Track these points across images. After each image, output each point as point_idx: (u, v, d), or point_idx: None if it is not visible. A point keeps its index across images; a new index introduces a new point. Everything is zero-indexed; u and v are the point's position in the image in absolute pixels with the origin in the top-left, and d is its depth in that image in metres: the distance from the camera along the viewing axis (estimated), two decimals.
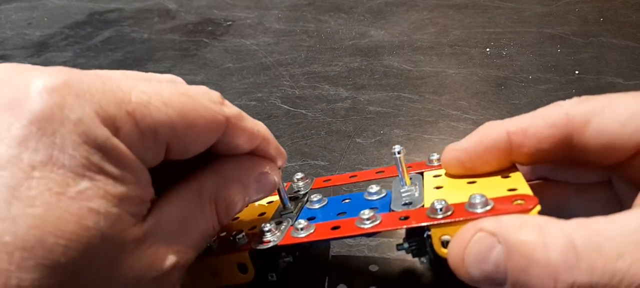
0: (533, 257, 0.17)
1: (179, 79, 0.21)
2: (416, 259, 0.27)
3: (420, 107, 0.49)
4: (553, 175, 0.26)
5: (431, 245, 0.21)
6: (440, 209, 0.20)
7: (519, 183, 0.22)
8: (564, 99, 0.22)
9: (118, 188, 0.17)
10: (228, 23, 0.80)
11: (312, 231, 0.23)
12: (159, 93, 0.19)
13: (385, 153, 0.42)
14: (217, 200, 0.22)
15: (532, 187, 0.22)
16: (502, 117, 0.23)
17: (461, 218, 0.20)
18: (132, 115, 0.18)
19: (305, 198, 0.28)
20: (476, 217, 0.20)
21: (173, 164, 0.21)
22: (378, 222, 0.22)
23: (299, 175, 0.29)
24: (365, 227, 0.22)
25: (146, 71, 0.20)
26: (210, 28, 0.79)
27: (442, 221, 0.20)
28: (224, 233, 0.25)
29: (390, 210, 0.24)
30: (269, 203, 0.29)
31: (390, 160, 0.40)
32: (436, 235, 0.21)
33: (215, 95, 0.21)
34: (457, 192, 0.23)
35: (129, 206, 0.17)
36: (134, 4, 0.95)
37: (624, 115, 0.20)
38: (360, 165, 0.41)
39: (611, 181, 0.24)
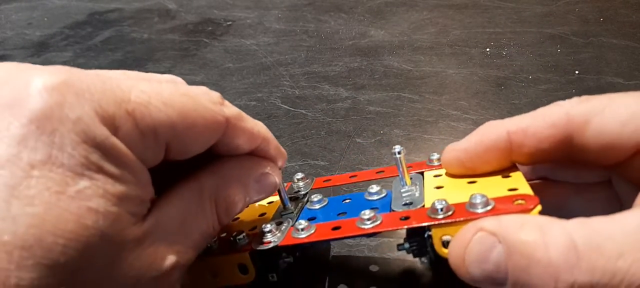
0: (534, 257, 0.17)
1: (179, 79, 0.21)
2: (416, 259, 0.27)
3: (420, 107, 0.49)
4: (553, 175, 0.26)
5: (432, 245, 0.21)
6: (441, 209, 0.20)
7: (519, 183, 0.22)
8: (564, 99, 0.22)
9: (117, 188, 0.17)
10: (228, 23, 0.80)
11: (312, 231, 0.23)
12: (159, 93, 0.19)
13: (385, 153, 0.42)
14: (217, 200, 0.22)
15: (532, 186, 0.22)
16: (502, 117, 0.23)
17: (462, 218, 0.20)
18: (131, 114, 0.18)
19: (306, 199, 0.28)
20: (477, 217, 0.20)
21: (173, 164, 0.21)
22: (379, 222, 0.22)
23: (299, 175, 0.29)
24: (366, 227, 0.22)
25: (146, 71, 0.20)
26: (210, 28, 0.79)
27: (443, 221, 0.20)
28: (224, 234, 0.25)
29: (391, 210, 0.24)
30: (269, 203, 0.29)
31: (390, 160, 0.40)
32: (437, 235, 0.21)
33: (215, 95, 0.21)
34: (458, 191, 0.23)
35: (128, 205, 0.17)
36: (134, 4, 0.95)
37: (624, 115, 0.20)
38: (360, 165, 0.41)
39: (611, 181, 0.24)
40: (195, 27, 0.80)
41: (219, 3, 0.90)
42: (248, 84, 0.59)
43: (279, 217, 0.26)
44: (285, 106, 0.52)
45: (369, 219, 0.22)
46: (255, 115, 0.49)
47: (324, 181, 0.30)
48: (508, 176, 0.23)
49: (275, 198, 0.28)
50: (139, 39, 0.78)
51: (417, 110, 0.48)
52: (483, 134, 0.23)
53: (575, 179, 0.25)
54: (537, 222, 0.18)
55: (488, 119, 0.24)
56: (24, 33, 0.86)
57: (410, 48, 0.63)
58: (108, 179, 0.17)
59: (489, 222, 0.18)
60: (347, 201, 0.27)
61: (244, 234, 0.24)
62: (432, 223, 0.20)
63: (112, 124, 0.17)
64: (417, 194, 0.24)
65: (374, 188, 0.27)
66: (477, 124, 0.24)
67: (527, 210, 0.19)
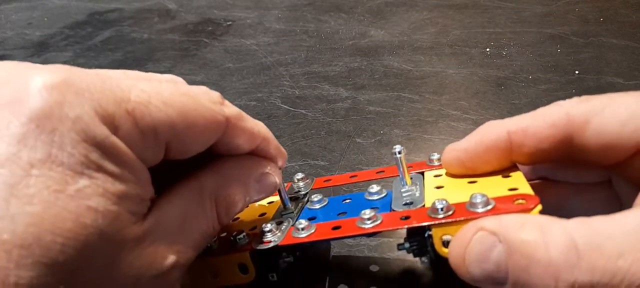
0: (534, 256, 0.17)
1: (179, 79, 0.21)
2: (416, 259, 0.27)
3: (420, 107, 0.49)
4: (553, 175, 0.26)
5: (432, 245, 0.21)
6: (441, 209, 0.20)
7: (519, 182, 0.22)
8: (564, 98, 0.22)
9: (117, 187, 0.17)
10: (228, 23, 0.80)
11: (312, 231, 0.23)
12: (159, 92, 0.19)
13: (386, 153, 0.42)
14: (217, 199, 0.22)
15: (532, 186, 0.22)
16: (502, 117, 0.23)
17: (462, 218, 0.20)
18: (131, 114, 0.18)
19: (306, 199, 0.28)
20: (477, 216, 0.20)
21: (173, 164, 0.21)
22: (379, 222, 0.22)
23: (299, 175, 0.29)
24: (366, 227, 0.22)
25: (146, 71, 0.20)
26: (210, 28, 0.79)
27: (443, 221, 0.20)
28: (224, 234, 0.25)
29: (391, 210, 0.24)
30: (269, 203, 0.29)
31: (390, 160, 0.40)
32: (437, 234, 0.21)
33: (216, 95, 0.21)
34: (458, 191, 0.23)
35: (128, 204, 0.17)
36: (134, 4, 0.95)
37: (624, 115, 0.20)
38: (360, 165, 0.41)
39: (611, 181, 0.24)
40: (195, 27, 0.80)
41: (219, 3, 0.90)
42: (248, 84, 0.59)
43: (279, 216, 0.26)
44: (285, 106, 0.52)
45: (369, 219, 0.22)
46: (255, 115, 0.49)
47: (324, 181, 0.30)
48: (508, 176, 0.23)
49: (276, 198, 0.28)
50: (139, 39, 0.78)
51: (417, 110, 0.48)
52: (483, 133, 0.23)
53: (575, 179, 0.25)
54: (537, 222, 0.18)
55: (488, 119, 0.24)
56: (24, 33, 0.86)
57: (410, 48, 0.63)
58: (108, 178, 0.17)
59: (489, 222, 0.18)
60: (347, 201, 0.27)
61: (244, 234, 0.24)
62: (433, 222, 0.20)
63: (111, 123, 0.17)
64: (417, 194, 0.24)
65: (374, 188, 0.27)
66: (477, 124, 0.24)
67: (528, 210, 0.19)
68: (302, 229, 0.23)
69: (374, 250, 0.31)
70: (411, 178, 0.25)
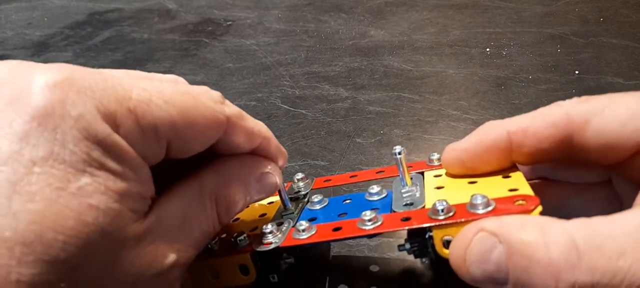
0: (534, 257, 0.17)
1: (181, 79, 0.21)
2: (417, 259, 0.27)
3: (420, 107, 0.49)
4: (553, 175, 0.26)
5: (433, 246, 0.21)
6: (442, 210, 0.20)
7: (520, 183, 0.22)
8: (564, 99, 0.22)
9: (118, 185, 0.17)
10: (228, 23, 0.80)
11: (313, 232, 0.23)
12: (160, 91, 0.19)
13: (386, 154, 0.42)
14: (217, 198, 0.22)
15: (532, 186, 0.22)
16: (502, 117, 0.23)
17: (463, 219, 0.20)
18: (133, 112, 0.18)
19: (306, 199, 0.28)
20: (478, 217, 0.20)
21: (174, 163, 0.21)
22: (380, 223, 0.22)
23: (300, 175, 0.29)
24: (367, 228, 0.22)
25: (146, 71, 0.20)
26: (210, 28, 0.79)
27: (444, 222, 0.20)
28: (224, 235, 0.25)
29: (392, 210, 0.24)
30: (269, 203, 0.29)
31: (390, 160, 0.40)
32: (438, 235, 0.21)
33: (216, 94, 0.21)
34: (458, 192, 0.23)
35: (129, 202, 0.18)
36: (134, 4, 0.95)
37: (624, 115, 0.20)
38: (360, 165, 0.41)
39: (611, 181, 0.24)
40: (195, 27, 0.80)
41: (219, 3, 0.90)
42: (248, 84, 0.59)
43: (280, 217, 0.26)
44: (285, 106, 0.52)
45: (369, 220, 0.22)
46: (255, 115, 0.49)
47: (324, 181, 0.30)
48: (508, 176, 0.23)
49: (276, 198, 0.28)
50: (139, 39, 0.78)
51: (417, 110, 0.48)
52: (483, 133, 0.23)
53: (575, 179, 0.25)
54: (537, 222, 0.18)
55: (488, 119, 0.24)
56: (24, 33, 0.86)
57: (410, 48, 0.63)
58: (109, 176, 0.17)
59: (490, 223, 0.18)
60: (348, 201, 0.27)
61: (244, 235, 0.24)
62: (433, 224, 0.20)
63: (113, 121, 0.17)
64: (417, 195, 0.24)
65: (375, 188, 0.27)
66: (477, 124, 0.24)
67: (528, 211, 0.19)
68: (303, 230, 0.23)
69: (374, 250, 0.31)
70: (411, 178, 0.25)
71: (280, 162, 0.25)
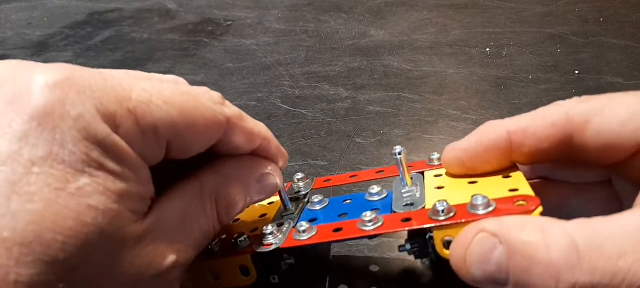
0: (535, 258, 0.17)
1: (181, 80, 0.21)
2: (417, 260, 0.27)
3: (420, 107, 0.49)
4: (553, 175, 0.26)
5: (433, 247, 0.21)
6: (443, 211, 0.20)
7: (520, 183, 0.22)
8: (564, 98, 0.22)
9: (118, 185, 0.17)
10: (228, 23, 0.80)
11: (314, 233, 0.23)
12: (160, 92, 0.19)
13: (386, 153, 0.42)
14: (217, 198, 0.22)
15: (532, 186, 0.22)
16: (502, 117, 0.23)
17: (463, 220, 0.20)
18: (133, 112, 0.18)
19: (306, 199, 0.28)
20: (478, 218, 0.20)
21: (175, 164, 0.21)
22: (380, 224, 0.22)
23: (300, 175, 0.29)
24: (368, 229, 0.22)
25: (146, 71, 0.20)
26: (210, 28, 0.79)
27: (445, 223, 0.20)
28: (224, 236, 0.25)
29: (392, 211, 0.24)
30: (270, 204, 0.29)
31: (390, 160, 0.40)
32: (438, 236, 0.21)
33: (216, 95, 0.21)
34: (459, 192, 0.23)
35: (129, 203, 0.17)
36: (134, 4, 0.95)
37: (624, 115, 0.20)
38: (360, 165, 0.41)
39: (611, 180, 0.24)
40: (195, 27, 0.80)
41: (219, 3, 0.90)
42: (248, 84, 0.59)
43: (280, 218, 0.26)
44: (285, 106, 0.52)
45: (370, 221, 0.22)
46: (255, 115, 0.49)
47: (324, 181, 0.30)
48: (509, 176, 0.23)
49: (276, 199, 0.27)
50: (139, 39, 0.78)
51: (417, 110, 0.48)
52: (483, 133, 0.23)
53: (575, 179, 0.25)
54: (538, 223, 0.18)
55: (488, 119, 0.24)
56: (24, 33, 0.86)
57: (410, 48, 0.63)
58: (109, 176, 0.17)
59: (490, 223, 0.18)
60: (348, 202, 0.27)
61: (245, 236, 0.24)
62: (434, 225, 0.20)
63: (113, 122, 0.17)
64: (418, 195, 0.24)
65: (375, 189, 0.27)
66: (477, 123, 0.24)
67: (529, 212, 0.19)
68: (304, 231, 0.23)
69: (374, 250, 0.31)
70: (411, 178, 0.25)
71: (281, 163, 0.25)
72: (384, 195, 0.27)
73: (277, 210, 0.27)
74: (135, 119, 0.18)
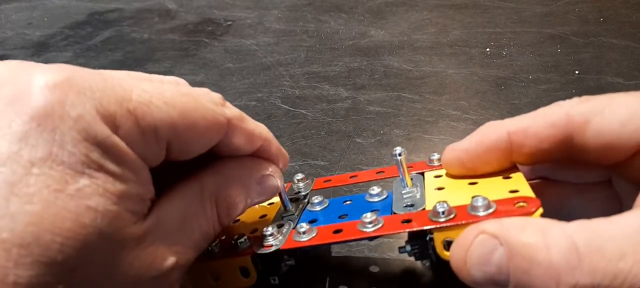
0: (535, 259, 0.17)
1: (182, 81, 0.21)
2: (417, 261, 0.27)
3: (421, 107, 0.49)
4: (553, 175, 0.26)
5: (433, 248, 0.21)
6: (443, 212, 0.20)
7: (520, 184, 0.22)
8: (564, 98, 0.22)
9: (117, 186, 0.17)
10: (228, 23, 0.80)
11: (314, 235, 0.23)
12: (160, 92, 0.19)
13: (386, 154, 0.42)
14: (218, 199, 0.22)
15: (532, 186, 0.22)
16: (502, 117, 0.23)
17: (464, 222, 0.20)
18: (133, 113, 0.18)
19: (306, 200, 0.28)
20: (479, 220, 0.20)
21: (175, 166, 0.21)
22: (380, 225, 0.22)
23: (300, 176, 0.29)
24: (368, 230, 0.22)
25: (146, 71, 0.20)
26: (210, 28, 0.79)
27: (445, 224, 0.20)
28: (224, 237, 0.25)
29: (392, 212, 0.24)
30: (269, 204, 0.29)
31: (390, 160, 0.40)
32: (439, 238, 0.21)
33: (217, 96, 0.21)
34: (459, 193, 0.23)
35: (128, 204, 0.17)
36: (134, 4, 0.95)
37: (624, 115, 0.20)
38: (360, 165, 0.41)
39: (611, 181, 0.24)
40: (195, 27, 0.80)
41: (219, 3, 0.89)
42: (248, 84, 0.59)
43: (280, 219, 0.26)
44: (285, 106, 0.52)
45: (370, 222, 0.22)
46: (255, 115, 0.49)
47: (324, 182, 0.30)
48: (509, 177, 0.23)
49: (276, 199, 0.27)
50: (139, 39, 0.78)
51: (417, 110, 0.48)
52: (483, 134, 0.23)
53: (575, 179, 0.25)
54: (538, 224, 0.18)
55: (488, 119, 0.24)
56: (24, 33, 0.86)
57: (410, 48, 0.63)
58: (108, 177, 0.17)
59: (491, 225, 0.18)
60: (348, 202, 0.27)
61: (245, 237, 0.24)
62: (434, 226, 0.20)
63: (113, 123, 0.17)
64: (418, 196, 0.24)
65: (375, 189, 0.27)
66: (477, 123, 0.24)
67: (529, 213, 0.19)
68: (304, 233, 0.23)
69: (374, 251, 0.31)
70: (411, 179, 0.25)
71: (281, 164, 0.25)
72: (384, 196, 0.27)
73: (277, 211, 0.27)
74: (135, 119, 0.18)
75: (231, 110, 0.21)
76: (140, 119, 0.18)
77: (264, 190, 0.24)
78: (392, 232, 0.22)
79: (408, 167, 0.26)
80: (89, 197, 0.16)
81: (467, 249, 0.18)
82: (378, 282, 0.28)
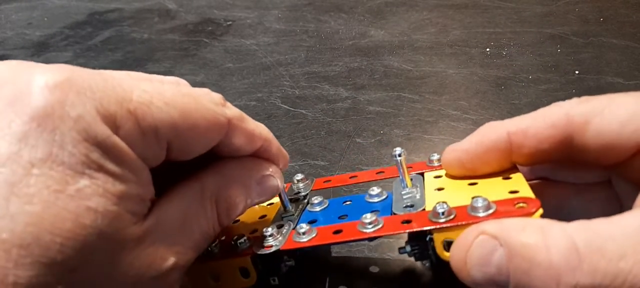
0: (535, 259, 0.17)
1: (183, 81, 0.21)
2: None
3: (421, 107, 0.49)
4: (553, 175, 0.26)
5: (433, 249, 0.21)
6: (443, 213, 0.20)
7: (520, 185, 0.22)
8: (564, 99, 0.22)
9: (117, 187, 0.17)
10: (228, 23, 0.80)
11: (314, 235, 0.23)
12: (160, 93, 0.19)
13: (386, 154, 0.42)
14: (218, 200, 0.22)
15: (532, 187, 0.22)
16: (502, 117, 0.23)
17: (464, 222, 0.20)
18: (133, 113, 0.18)
19: (306, 200, 0.28)
20: (479, 221, 0.20)
21: (175, 166, 0.21)
22: (380, 226, 0.22)
23: (299, 176, 0.29)
24: (368, 231, 0.22)
25: (146, 71, 0.20)
26: (210, 28, 0.79)
27: (445, 225, 0.20)
28: (224, 237, 0.25)
29: (392, 213, 0.24)
30: (269, 205, 0.29)
31: (390, 160, 0.40)
32: (438, 238, 0.21)
33: (217, 96, 0.21)
34: (459, 193, 0.23)
35: (128, 204, 0.17)
36: (134, 4, 0.95)
37: (624, 115, 0.20)
38: (360, 165, 0.41)
39: (611, 181, 0.24)
40: (195, 27, 0.80)
41: (219, 3, 0.89)
42: (248, 84, 0.59)
43: (280, 219, 0.26)
44: (285, 106, 0.52)
45: (370, 223, 0.22)
46: (255, 115, 0.49)
47: (324, 182, 0.30)
48: (509, 177, 0.23)
49: (276, 200, 0.27)
50: (139, 39, 0.78)
51: (417, 110, 0.48)
52: (483, 134, 0.23)
53: (575, 179, 0.25)
54: (538, 225, 0.18)
55: (488, 119, 0.24)
56: (24, 33, 0.86)
57: (410, 48, 0.63)
58: (108, 178, 0.17)
59: (491, 225, 0.18)
60: (348, 203, 0.27)
61: (245, 238, 0.24)
62: (434, 227, 0.20)
63: (113, 123, 0.17)
64: (418, 196, 0.24)
65: (375, 190, 0.27)
66: (477, 124, 0.24)
67: (529, 214, 0.19)
68: (303, 233, 0.23)
69: (374, 251, 0.31)
70: (411, 179, 0.25)
71: (281, 165, 0.25)
72: (384, 197, 0.27)
73: (276, 211, 0.27)
74: (135, 120, 0.18)
75: (231, 111, 0.21)
76: (141, 119, 0.18)
77: (264, 191, 0.24)
78: (391, 233, 0.22)
79: (408, 168, 0.26)
80: (89, 197, 0.16)
81: (467, 250, 0.18)
82: (378, 282, 0.28)
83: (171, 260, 0.19)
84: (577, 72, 0.52)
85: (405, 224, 0.22)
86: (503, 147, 0.23)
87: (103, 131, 0.17)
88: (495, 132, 0.23)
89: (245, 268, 0.24)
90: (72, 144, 0.16)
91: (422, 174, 0.27)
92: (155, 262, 0.18)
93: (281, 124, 0.49)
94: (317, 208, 0.27)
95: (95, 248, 0.16)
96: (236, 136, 0.22)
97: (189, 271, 0.21)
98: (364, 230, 0.22)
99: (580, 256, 0.16)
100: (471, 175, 0.24)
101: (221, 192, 0.22)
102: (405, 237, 0.24)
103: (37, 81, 0.16)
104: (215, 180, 0.22)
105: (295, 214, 0.26)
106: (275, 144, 0.24)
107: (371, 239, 0.23)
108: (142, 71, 0.20)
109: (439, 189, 0.24)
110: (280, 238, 0.24)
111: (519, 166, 0.24)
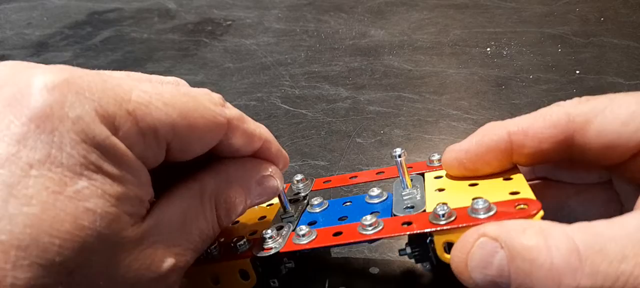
0: (536, 261, 0.17)
1: (182, 81, 0.21)
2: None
3: (421, 107, 0.49)
4: (553, 176, 0.26)
5: (434, 251, 0.21)
6: (443, 215, 0.20)
7: (521, 186, 0.22)
8: (564, 98, 0.22)
9: (116, 188, 0.17)
10: (228, 23, 0.80)
11: (313, 237, 0.23)
12: (160, 93, 0.19)
13: (386, 154, 0.42)
14: (217, 201, 0.22)
15: (532, 187, 0.22)
16: (502, 117, 0.23)
17: (464, 224, 0.20)
18: (132, 114, 0.18)
19: (306, 201, 0.28)
20: (479, 222, 0.19)
21: (175, 166, 0.21)
22: (380, 228, 0.22)
23: (299, 176, 0.29)
24: (368, 233, 0.22)
25: (146, 71, 0.20)
26: (210, 28, 0.79)
27: (445, 227, 0.20)
28: (223, 239, 0.25)
29: (392, 214, 0.24)
30: (269, 206, 0.28)
31: (390, 161, 0.40)
32: (439, 240, 0.20)
33: (217, 97, 0.21)
34: (459, 194, 0.23)
35: (127, 206, 0.17)
36: (134, 4, 0.95)
37: (625, 115, 0.20)
38: (360, 165, 0.41)
39: (612, 181, 0.24)
40: (195, 27, 0.80)
41: (219, 3, 0.89)
42: (248, 84, 0.58)
43: (279, 220, 0.26)
44: (285, 106, 0.52)
45: (370, 225, 0.22)
46: (255, 115, 0.49)
47: (324, 182, 0.30)
48: (509, 178, 0.23)
49: (275, 200, 0.27)
50: (139, 39, 0.78)
51: (417, 110, 0.48)
52: (484, 134, 0.23)
53: (575, 180, 0.25)
54: (539, 227, 0.18)
55: (488, 119, 0.24)
56: (23, 33, 0.86)
57: (411, 48, 0.63)
58: (107, 179, 0.17)
59: (491, 227, 0.18)
60: (348, 204, 0.27)
61: (244, 240, 0.24)
62: (435, 229, 0.20)
63: (112, 124, 0.17)
64: (418, 197, 0.24)
65: (375, 191, 0.27)
66: (478, 123, 0.24)
67: (530, 216, 0.19)
68: (303, 235, 0.23)
69: (374, 251, 0.31)
70: (411, 180, 0.25)
71: (281, 165, 0.25)
72: (384, 197, 0.26)
73: (276, 212, 0.27)
74: (134, 120, 0.18)
75: (231, 111, 0.21)
76: (140, 120, 0.18)
77: (264, 191, 0.24)
78: (392, 235, 0.22)
79: (408, 168, 0.26)
80: (88, 198, 0.16)
81: (468, 252, 0.18)
82: (378, 283, 0.28)
83: (170, 262, 0.19)
84: (577, 71, 0.52)
85: (406, 226, 0.22)
86: (504, 147, 0.23)
87: (102, 132, 0.17)
88: (495, 132, 0.23)
89: (245, 270, 0.24)
90: (71, 145, 0.16)
91: (422, 174, 0.27)
92: (154, 263, 0.18)
93: (281, 124, 0.49)
94: (317, 209, 0.27)
95: (93, 249, 0.16)
96: (236, 136, 0.22)
97: (188, 273, 0.21)
98: (364, 232, 0.22)
99: (581, 258, 0.16)
100: (472, 175, 0.24)
101: (221, 193, 0.22)
102: (406, 238, 0.24)
103: (36, 82, 0.16)
104: (215, 181, 0.22)
105: (295, 215, 0.26)
106: (275, 144, 0.24)
107: (371, 241, 0.23)
108: (141, 71, 0.20)
109: (440, 190, 0.24)
110: (279, 240, 0.24)
111: (519, 166, 0.24)
